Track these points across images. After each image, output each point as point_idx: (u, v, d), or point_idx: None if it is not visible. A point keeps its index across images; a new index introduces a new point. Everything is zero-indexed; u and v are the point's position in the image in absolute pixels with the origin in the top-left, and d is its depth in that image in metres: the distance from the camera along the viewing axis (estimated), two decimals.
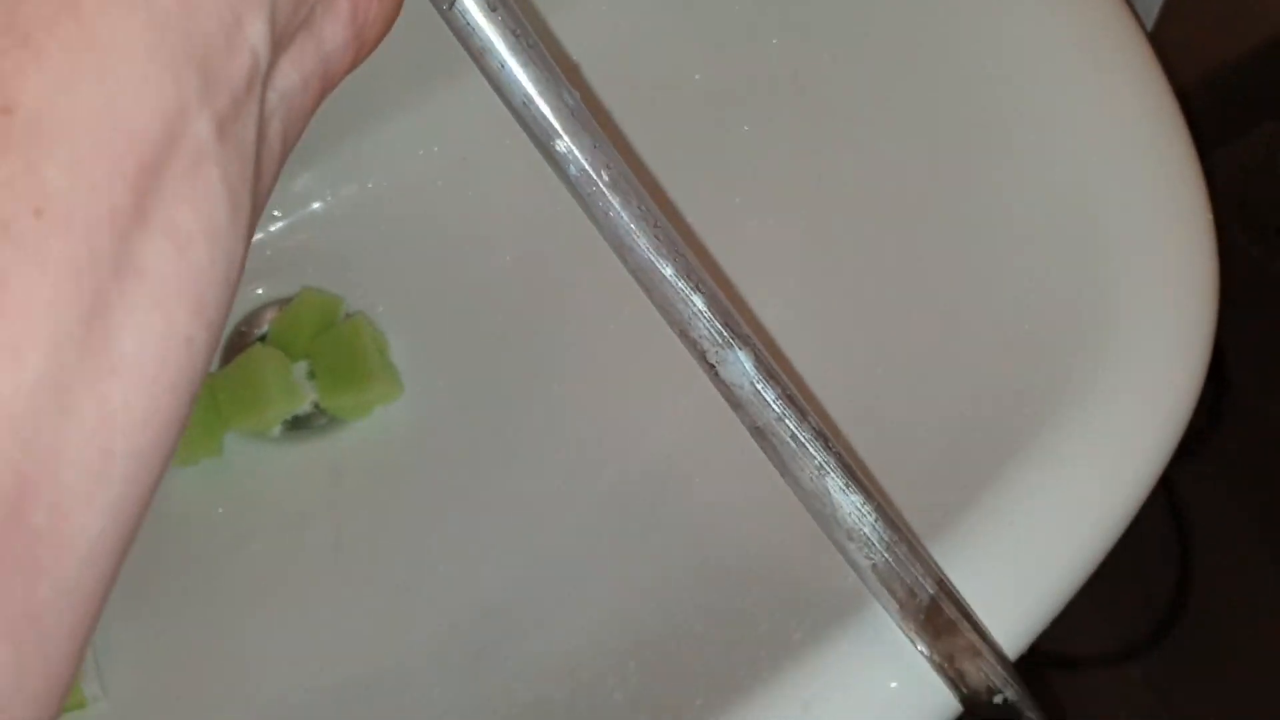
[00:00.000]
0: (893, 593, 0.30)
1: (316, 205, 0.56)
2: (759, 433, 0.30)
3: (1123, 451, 0.37)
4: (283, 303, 0.55)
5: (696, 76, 0.53)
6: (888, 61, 0.48)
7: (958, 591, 0.32)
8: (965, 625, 0.31)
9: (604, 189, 0.28)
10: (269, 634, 0.48)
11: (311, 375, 0.52)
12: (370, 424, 0.53)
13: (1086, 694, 1.18)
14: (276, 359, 0.51)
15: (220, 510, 0.51)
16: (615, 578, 0.45)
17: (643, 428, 0.49)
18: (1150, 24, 0.62)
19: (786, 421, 0.29)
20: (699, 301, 0.29)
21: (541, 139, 0.28)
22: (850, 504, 0.30)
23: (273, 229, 0.56)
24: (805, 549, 0.36)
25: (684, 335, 0.29)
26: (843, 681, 0.32)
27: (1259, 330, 1.39)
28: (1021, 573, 0.35)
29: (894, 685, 0.32)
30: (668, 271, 0.29)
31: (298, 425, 0.53)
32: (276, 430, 0.52)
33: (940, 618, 0.30)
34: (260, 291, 0.55)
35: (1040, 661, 1.19)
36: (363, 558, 0.49)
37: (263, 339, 0.54)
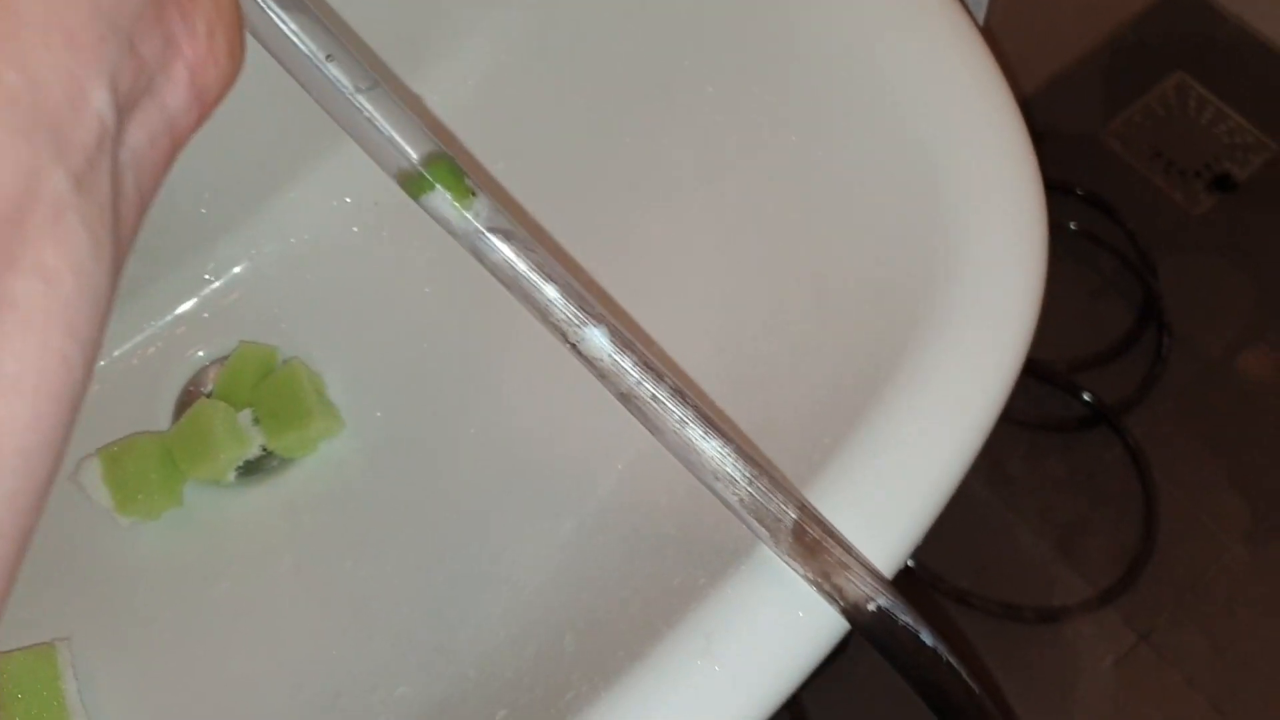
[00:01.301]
0: (762, 522, 0.34)
1: (243, 266, 0.60)
2: (624, 398, 0.34)
3: (972, 383, 0.41)
4: (224, 360, 0.59)
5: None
6: (736, 39, 0.52)
7: (820, 514, 0.36)
8: (830, 543, 0.35)
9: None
10: (244, 664, 0.51)
11: (256, 421, 0.56)
12: (318, 459, 0.57)
13: (1071, 643, 1.22)
14: (221, 410, 0.55)
15: (187, 556, 0.54)
16: (553, 567, 0.49)
17: (563, 428, 0.53)
18: None
19: (645, 385, 0.33)
20: (551, 290, 0.33)
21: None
22: (711, 449, 0.34)
23: (206, 292, 0.60)
24: (706, 505, 0.40)
25: (545, 320, 0.33)
26: (738, 611, 0.36)
27: (1190, 272, 1.44)
28: (891, 496, 0.38)
29: (782, 608, 0.36)
30: (521, 266, 0.33)
31: (251, 469, 0.57)
32: (231, 476, 0.56)
33: (807, 538, 0.34)
34: (201, 354, 0.59)
35: (1024, 617, 1.23)
36: (323, 581, 0.53)
37: (209, 395, 0.58)
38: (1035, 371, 1.36)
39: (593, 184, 0.56)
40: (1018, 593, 1.25)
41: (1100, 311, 1.41)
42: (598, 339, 0.33)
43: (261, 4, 0.30)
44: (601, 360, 0.33)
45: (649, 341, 0.46)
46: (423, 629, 0.50)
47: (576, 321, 0.33)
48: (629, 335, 0.34)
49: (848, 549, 0.35)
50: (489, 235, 0.33)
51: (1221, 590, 1.25)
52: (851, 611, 0.35)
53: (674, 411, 0.34)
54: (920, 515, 0.39)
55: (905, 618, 0.35)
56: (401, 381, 0.58)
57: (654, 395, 0.33)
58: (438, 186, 0.33)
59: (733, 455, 0.34)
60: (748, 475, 0.34)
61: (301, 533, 0.55)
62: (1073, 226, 1.43)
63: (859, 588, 0.35)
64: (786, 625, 0.36)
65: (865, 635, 0.36)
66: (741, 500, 0.34)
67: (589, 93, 0.57)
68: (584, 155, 0.57)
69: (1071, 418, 1.34)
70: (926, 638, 0.36)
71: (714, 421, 0.34)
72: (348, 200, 0.61)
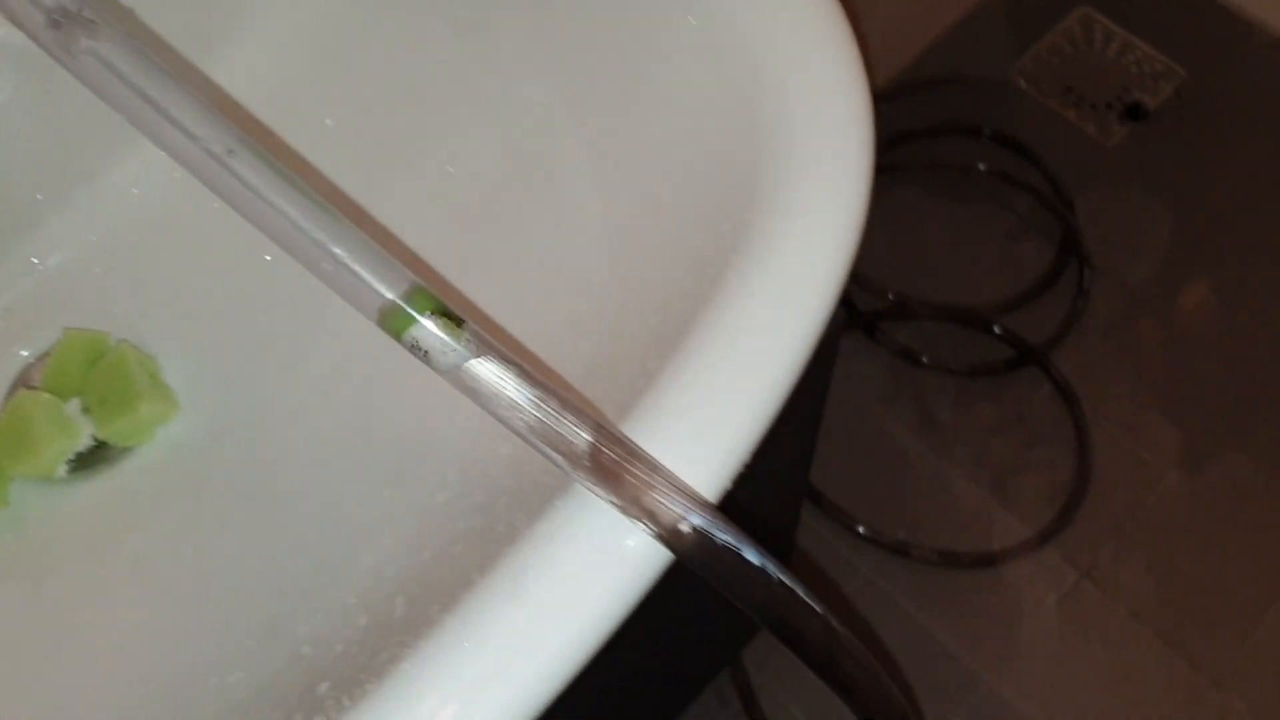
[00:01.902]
0: (555, 447, 0.32)
1: (66, 253, 0.56)
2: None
3: (796, 297, 0.38)
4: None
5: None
6: None
7: (622, 434, 0.33)
8: (634, 464, 0.32)
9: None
10: (76, 665, 0.48)
11: (86, 410, 0.53)
12: (155, 446, 0.54)
13: (1012, 586, 1.21)
14: (44, 400, 0.52)
15: (16, 559, 0.51)
16: (391, 535, 0.46)
17: (403, 395, 0.50)
18: None
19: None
20: (532, 395, 0.31)
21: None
22: (489, 372, 0.31)
23: (26, 283, 0.56)
24: (524, 452, 0.37)
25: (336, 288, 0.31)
26: (545, 548, 0.34)
27: (1108, 205, 1.42)
28: (711, 417, 0.36)
29: (592, 540, 0.33)
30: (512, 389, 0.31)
31: (87, 462, 0.53)
32: (62, 470, 0.53)
33: (605, 459, 0.32)
34: (25, 353, 0.56)
35: (963, 563, 1.21)
36: (162, 571, 0.50)
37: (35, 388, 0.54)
38: (958, 317, 1.34)
39: (408, 146, 0.53)
40: (956, 540, 1.23)
41: (1019, 252, 1.39)
42: None
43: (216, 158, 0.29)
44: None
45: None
46: (261, 611, 0.47)
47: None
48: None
49: (654, 468, 0.33)
50: (483, 361, 0.31)
51: (1160, 520, 1.24)
52: (666, 535, 0.33)
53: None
54: (741, 434, 0.36)
55: (725, 536, 0.33)
56: (241, 358, 0.55)
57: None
58: (424, 319, 0.31)
59: (514, 378, 0.31)
60: (532, 399, 0.31)
61: (140, 523, 0.52)
62: (982, 167, 1.41)
63: (669, 509, 0.32)
64: (597, 557, 0.33)
65: (686, 560, 0.33)
66: (530, 426, 0.32)
67: (396, 48, 0.54)
68: (397, 117, 0.54)
69: (998, 360, 1.32)
70: (752, 555, 0.33)
71: (491, 344, 0.31)
72: (175, 176, 0.58)
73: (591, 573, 0.33)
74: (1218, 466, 1.26)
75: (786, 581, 0.34)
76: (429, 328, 0.32)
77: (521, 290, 0.47)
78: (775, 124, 0.42)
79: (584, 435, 0.32)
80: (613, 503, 0.33)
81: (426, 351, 0.32)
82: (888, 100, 1.48)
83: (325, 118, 0.56)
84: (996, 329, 1.33)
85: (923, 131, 1.45)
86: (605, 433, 0.32)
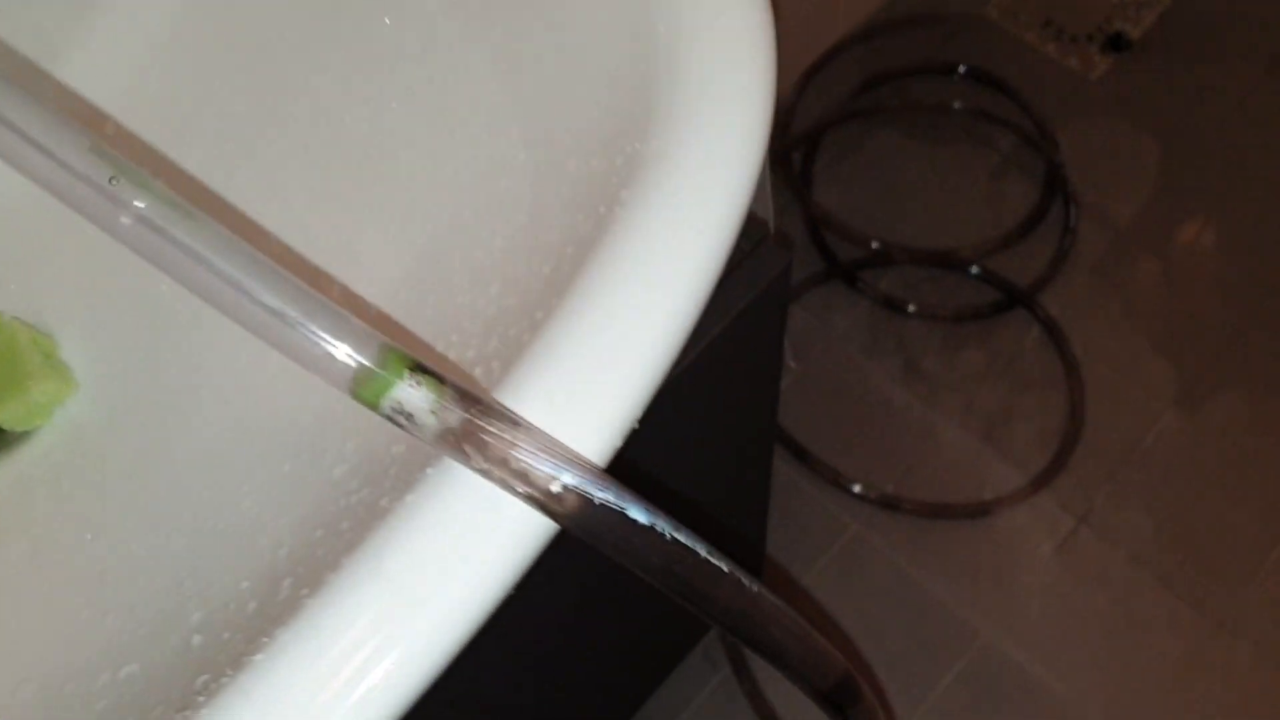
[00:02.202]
0: (398, 409, 0.28)
1: None
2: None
3: (692, 235, 0.34)
4: None
5: None
6: None
7: (482, 392, 0.29)
8: (496, 424, 0.29)
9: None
10: None
11: None
12: (54, 429, 0.51)
13: (1007, 535, 1.17)
14: None
15: None
16: (290, 511, 0.43)
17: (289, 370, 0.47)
18: None
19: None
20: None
21: None
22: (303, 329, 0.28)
23: None
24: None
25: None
26: (412, 521, 0.30)
27: (1092, 139, 1.38)
28: (600, 370, 0.32)
29: (465, 510, 0.30)
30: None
31: None
32: None
33: (453, 418, 0.28)
34: None
35: (955, 514, 1.18)
36: (59, 561, 0.47)
37: None
38: (942, 262, 1.30)
39: (281, 97, 0.49)
40: (947, 490, 1.20)
41: (1003, 191, 1.35)
42: None
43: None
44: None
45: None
46: (159, 599, 0.44)
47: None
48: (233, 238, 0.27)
49: (520, 427, 0.29)
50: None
51: (1158, 461, 1.20)
52: (540, 498, 0.29)
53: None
54: (628, 388, 0.32)
55: (604, 494, 0.29)
56: (143, 335, 0.52)
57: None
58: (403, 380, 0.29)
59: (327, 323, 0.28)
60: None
61: (37, 511, 0.49)
62: (958, 106, 1.37)
63: (539, 468, 0.29)
64: (467, 529, 0.30)
65: (567, 525, 0.30)
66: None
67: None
68: (266, 71, 0.50)
69: (984, 304, 1.28)
70: (639, 513, 0.30)
71: (319, 303, 0.28)
72: None
73: (461, 546, 0.30)
74: (1216, 404, 1.23)
75: (684, 540, 0.30)
76: (410, 391, 0.28)
77: (413, 241, 0.44)
78: (670, 43, 0.38)
79: (430, 394, 0.28)
80: (477, 468, 0.29)
81: (411, 415, 0.28)
82: (863, 42, 1.43)
83: (209, 80, 0.52)
84: (981, 272, 1.29)
85: (898, 72, 1.41)
86: (460, 392, 0.29)
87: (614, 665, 0.90)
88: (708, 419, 0.66)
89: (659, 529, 0.30)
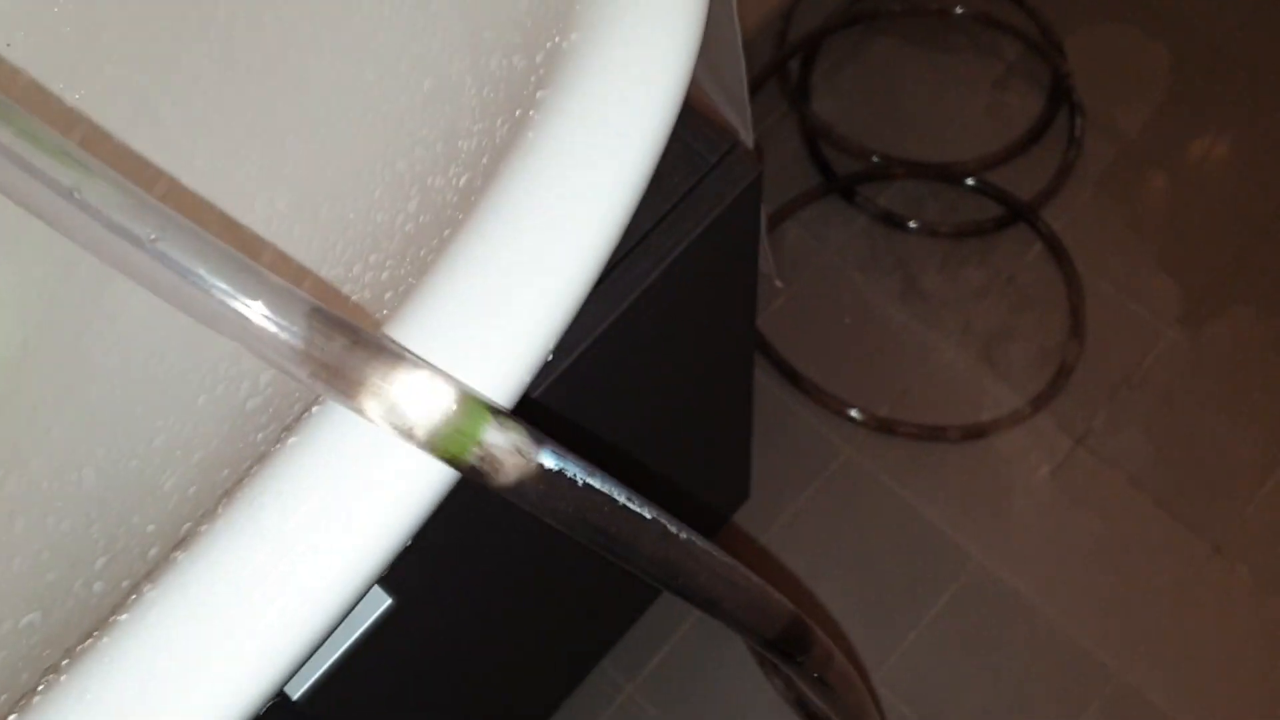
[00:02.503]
0: (275, 350, 0.25)
1: None
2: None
3: (609, 147, 0.31)
4: None
5: None
6: None
7: (348, 321, 0.26)
8: (372, 356, 0.25)
9: None
10: None
11: None
12: None
13: (1003, 458, 1.14)
14: None
15: None
16: (200, 448, 0.40)
17: None
18: None
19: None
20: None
21: None
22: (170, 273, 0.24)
23: None
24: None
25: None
26: (291, 468, 0.27)
27: (1100, 45, 1.32)
28: (500, 296, 0.29)
29: (350, 455, 0.27)
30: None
31: None
32: None
33: (331, 347, 0.25)
34: None
35: (950, 437, 1.15)
36: None
37: None
38: (942, 175, 1.26)
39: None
40: (943, 412, 1.17)
41: (1006, 101, 1.30)
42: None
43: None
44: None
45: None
46: (67, 543, 0.41)
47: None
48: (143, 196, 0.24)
49: (382, 349, 0.26)
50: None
51: (1159, 381, 1.17)
52: (436, 443, 0.26)
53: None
54: (543, 316, 0.29)
55: (516, 433, 0.26)
56: (55, 267, 0.48)
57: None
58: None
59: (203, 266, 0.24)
60: (231, 288, 0.24)
61: None
62: (960, 11, 1.31)
63: (426, 405, 0.25)
64: (351, 476, 0.27)
65: (450, 464, 0.26)
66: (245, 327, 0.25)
67: None
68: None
69: (985, 219, 1.24)
70: (549, 459, 0.26)
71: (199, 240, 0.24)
72: None
73: (345, 495, 0.27)
74: (1220, 323, 1.19)
75: (597, 486, 0.27)
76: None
77: (335, 151, 0.40)
78: None
79: (298, 328, 0.25)
80: (375, 418, 0.26)
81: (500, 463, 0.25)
82: None
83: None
84: (983, 186, 1.24)
85: None
86: (325, 318, 0.25)
87: (585, 606, 0.87)
88: (680, 336, 0.63)
89: (569, 473, 0.27)
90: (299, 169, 0.42)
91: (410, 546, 0.38)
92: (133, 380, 0.44)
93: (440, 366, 0.26)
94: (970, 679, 1.07)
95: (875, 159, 1.26)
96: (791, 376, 1.17)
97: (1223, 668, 1.06)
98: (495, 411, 0.26)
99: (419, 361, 0.26)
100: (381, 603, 0.46)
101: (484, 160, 0.33)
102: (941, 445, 1.15)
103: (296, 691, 0.45)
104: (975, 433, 1.15)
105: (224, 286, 0.24)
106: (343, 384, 0.25)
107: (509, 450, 0.25)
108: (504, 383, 0.28)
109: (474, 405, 0.26)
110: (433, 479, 0.27)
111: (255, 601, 0.26)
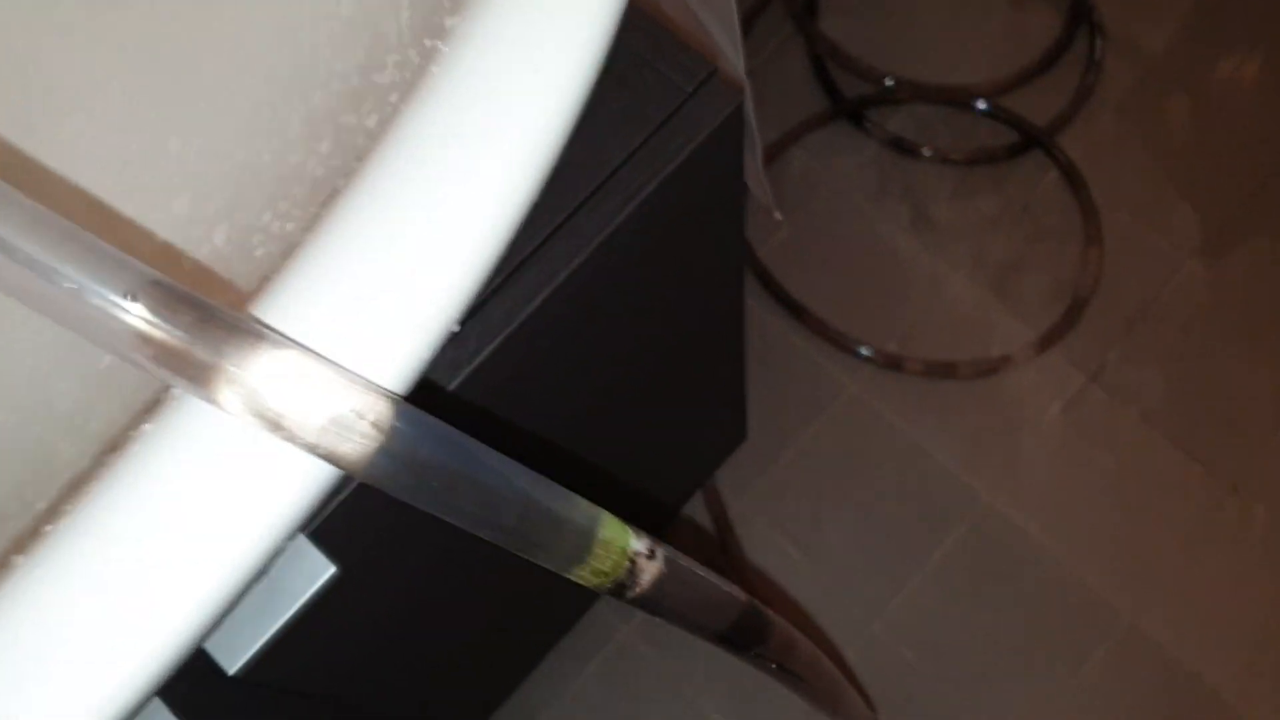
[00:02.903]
0: (95, 325, 0.21)
1: None
2: None
3: (534, 61, 0.27)
4: None
5: None
6: None
7: (208, 303, 0.22)
8: (219, 331, 0.22)
9: None
10: None
11: None
12: None
13: (1013, 395, 1.11)
14: None
15: None
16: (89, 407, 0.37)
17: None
18: None
19: None
20: None
21: None
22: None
23: None
24: None
25: None
26: (144, 462, 0.24)
27: None
28: (394, 262, 0.25)
29: (209, 449, 0.23)
30: None
31: None
32: None
33: (176, 327, 0.21)
34: None
35: (960, 374, 1.11)
36: None
37: None
38: (955, 99, 1.21)
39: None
40: (952, 348, 1.13)
41: (1023, 21, 1.24)
42: None
43: None
44: None
45: None
46: None
47: None
48: None
49: (238, 328, 0.22)
50: None
51: (1177, 314, 1.12)
52: (292, 432, 0.23)
53: None
54: (449, 281, 0.25)
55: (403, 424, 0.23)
56: None
57: None
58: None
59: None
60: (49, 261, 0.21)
61: None
62: None
63: (288, 390, 0.22)
64: (212, 470, 0.23)
65: (330, 459, 0.23)
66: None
67: None
68: None
69: (999, 146, 1.19)
70: (406, 421, 0.23)
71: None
72: None
73: (202, 495, 0.23)
74: (1242, 254, 1.14)
75: (513, 485, 0.24)
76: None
77: (250, 90, 0.36)
78: None
79: (128, 308, 0.21)
80: (209, 397, 0.22)
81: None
82: None
83: None
84: (997, 111, 1.19)
85: None
86: (165, 290, 0.22)
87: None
88: (659, 277, 0.59)
89: (483, 479, 0.23)
90: (216, 110, 0.38)
91: (354, 513, 0.34)
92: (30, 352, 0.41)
93: (312, 345, 0.23)
94: (975, 622, 1.04)
95: (885, 82, 1.21)
96: (795, 311, 1.13)
97: (1237, 612, 1.03)
98: (372, 390, 0.22)
99: (284, 341, 0.22)
100: (324, 571, 0.43)
101: (394, 97, 0.29)
102: (950, 382, 1.11)
103: (233, 665, 0.43)
104: (985, 369, 1.11)
105: (38, 255, 0.20)
106: (192, 370, 0.21)
107: (369, 433, 0.22)
108: (395, 360, 0.24)
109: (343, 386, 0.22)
110: (308, 473, 0.24)
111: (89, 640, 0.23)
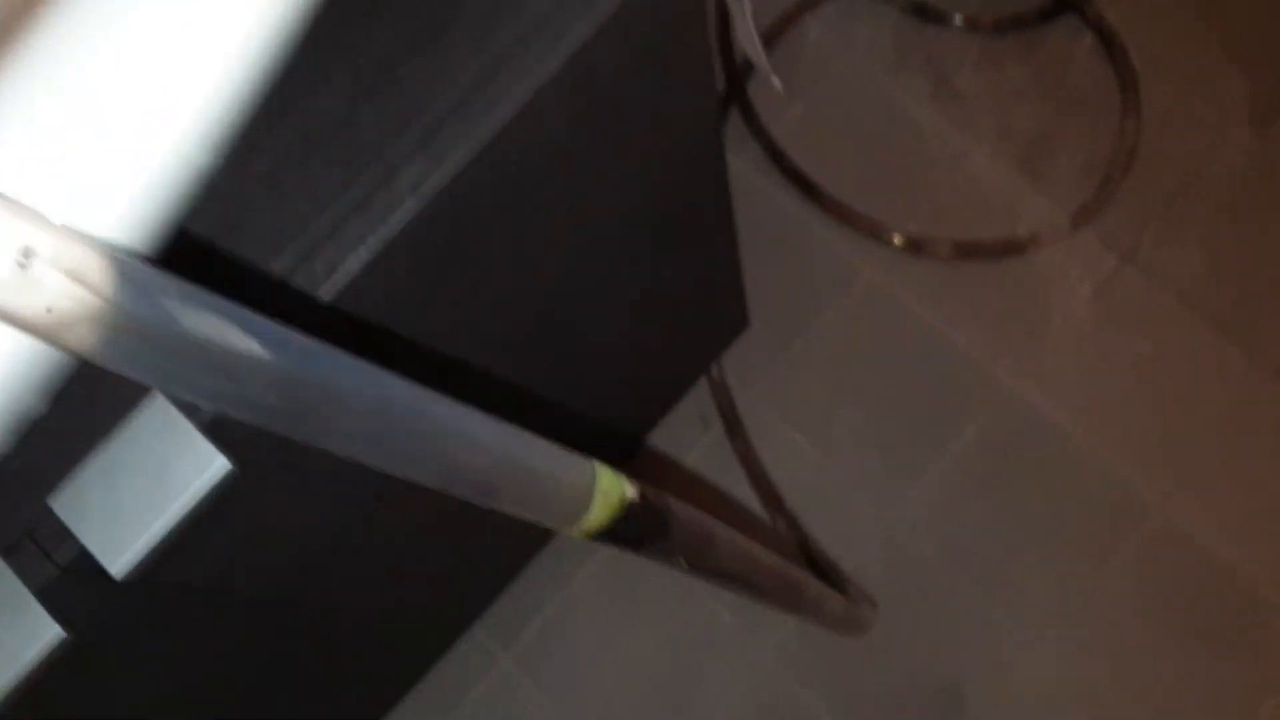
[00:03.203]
0: None
1: None
2: None
3: None
4: None
5: None
6: None
7: None
8: None
9: None
10: None
11: None
12: None
13: (1042, 277, 1.04)
14: None
15: None
16: None
17: None
18: None
19: None
20: None
21: None
22: None
23: None
24: None
25: None
26: None
27: None
28: None
29: None
30: None
31: None
32: None
33: None
34: None
35: (985, 254, 1.05)
36: None
37: None
38: None
39: None
40: (976, 228, 1.06)
41: None
42: None
43: None
44: None
45: None
46: None
47: None
48: None
49: None
50: None
51: (1221, 189, 1.05)
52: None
53: None
54: None
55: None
56: None
57: None
58: None
59: None
60: None
61: None
62: None
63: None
64: None
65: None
66: None
67: None
68: None
69: (1030, 11, 1.11)
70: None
71: None
72: None
73: None
74: None
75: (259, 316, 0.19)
76: None
77: None
78: None
79: None
80: None
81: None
82: None
83: None
84: None
85: None
86: None
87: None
88: (611, 140, 0.54)
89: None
90: None
91: None
92: None
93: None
94: (997, 516, 1.00)
95: None
96: (809, 191, 1.07)
97: (1277, 503, 0.98)
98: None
99: None
100: (217, 466, 0.39)
101: None
102: (973, 264, 1.05)
103: (117, 566, 0.39)
104: (1011, 250, 1.05)
105: None
106: None
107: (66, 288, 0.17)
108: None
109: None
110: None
111: None
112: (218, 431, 0.39)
